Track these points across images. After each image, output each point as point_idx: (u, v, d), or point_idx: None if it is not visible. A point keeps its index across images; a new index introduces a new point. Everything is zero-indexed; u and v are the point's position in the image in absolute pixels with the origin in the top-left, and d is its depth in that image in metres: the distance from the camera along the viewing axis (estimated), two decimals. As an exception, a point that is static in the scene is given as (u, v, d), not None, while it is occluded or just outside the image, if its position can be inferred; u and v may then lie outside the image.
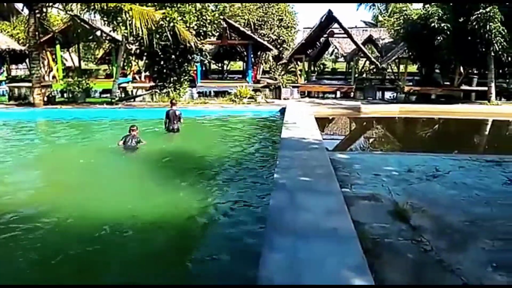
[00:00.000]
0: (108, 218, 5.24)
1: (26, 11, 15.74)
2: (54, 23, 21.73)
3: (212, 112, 14.43)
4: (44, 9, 15.41)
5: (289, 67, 23.23)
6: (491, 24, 13.93)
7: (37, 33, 14.91)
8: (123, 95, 17.85)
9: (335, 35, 22.71)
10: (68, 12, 15.17)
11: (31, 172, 7.97)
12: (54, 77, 19.69)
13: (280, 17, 26.01)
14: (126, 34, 13.93)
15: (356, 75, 21.24)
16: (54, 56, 20.07)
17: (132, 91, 19.28)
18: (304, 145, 8.08)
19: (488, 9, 13.98)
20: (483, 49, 14.79)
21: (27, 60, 22.11)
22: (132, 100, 17.17)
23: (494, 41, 14.20)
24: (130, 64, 21.80)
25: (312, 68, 27.40)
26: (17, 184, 6.92)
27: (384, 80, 24.25)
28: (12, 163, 8.41)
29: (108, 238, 4.83)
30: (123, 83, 18.89)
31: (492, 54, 14.93)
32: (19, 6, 16.04)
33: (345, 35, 20.60)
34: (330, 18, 19.29)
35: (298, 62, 21.24)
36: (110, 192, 6.48)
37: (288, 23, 26.64)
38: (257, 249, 3.74)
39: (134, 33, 13.43)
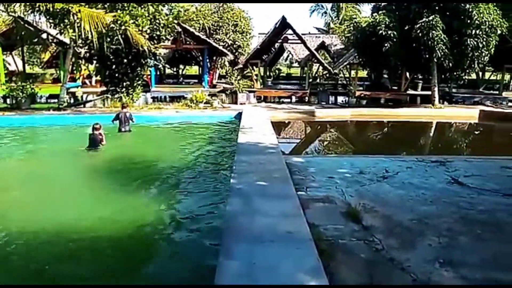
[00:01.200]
0: (53, 230, 4.96)
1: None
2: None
3: (167, 117, 14.14)
4: (-17, 10, 14.43)
5: (245, 72, 23.36)
6: (433, 32, 14.84)
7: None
8: (72, 101, 17.08)
9: (290, 41, 23.14)
10: (10, 13, 14.28)
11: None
12: (-5, 81, 18.46)
13: (235, 23, 26.13)
14: (74, 37, 13.33)
15: (310, 80, 21.75)
16: (-5, 60, 18.81)
17: (82, 97, 18.50)
18: (261, 149, 8.13)
19: (430, 18, 14.88)
20: (427, 56, 15.70)
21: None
22: (82, 105, 16.46)
23: (436, 48, 15.11)
24: (80, 68, 20.90)
25: (268, 73, 27.73)
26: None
27: (336, 85, 25.05)
28: None
29: (54, 250, 4.57)
30: (72, 88, 18.08)
31: (435, 60, 15.87)
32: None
33: (299, 41, 21.05)
34: (284, 24, 19.64)
35: (254, 67, 21.42)
36: (56, 202, 6.14)
37: (243, 28, 26.83)
38: (213, 256, 3.69)
39: (83, 36, 12.91)
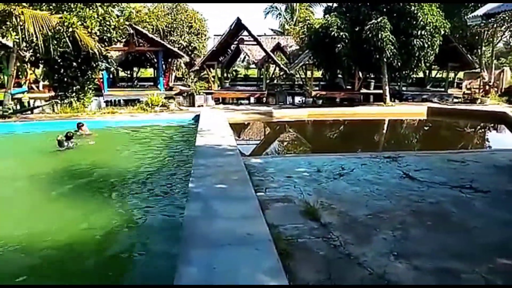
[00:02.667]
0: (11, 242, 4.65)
1: None
2: None
3: (121, 122, 13.70)
4: None
5: (201, 74, 23.14)
6: (382, 33, 15.46)
7: None
8: (18, 107, 16.11)
9: (246, 43, 23.22)
10: None
11: None
12: None
13: (190, 24, 25.81)
14: (18, 40, 12.53)
15: (268, 81, 21.93)
16: None
17: (28, 102, 17.49)
18: (219, 151, 8.08)
19: (379, 19, 15.50)
20: (377, 56, 16.32)
21: None
22: (29, 112, 15.57)
23: (385, 49, 15.75)
24: (25, 73, 19.73)
25: (225, 75, 27.65)
26: None
27: (293, 86, 25.43)
28: None
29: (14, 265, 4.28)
30: (17, 93, 17.04)
31: (385, 60, 16.53)
32: None
33: (254, 43, 21.17)
34: (239, 26, 19.68)
35: (211, 69, 21.28)
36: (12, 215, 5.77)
37: (198, 30, 26.55)
38: (171, 263, 3.60)
39: (27, 39, 12.20)
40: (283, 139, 13.89)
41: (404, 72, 18.14)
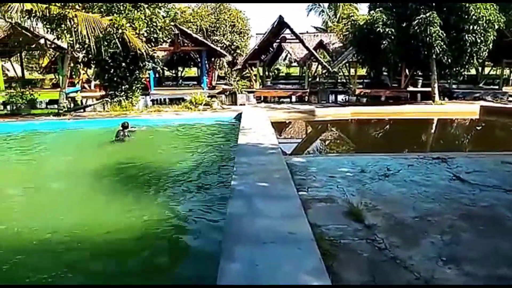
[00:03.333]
0: (64, 234, 4.96)
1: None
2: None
3: (167, 120, 14.13)
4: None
5: (244, 72, 23.34)
6: (431, 28, 14.81)
7: (-28, 42, 13.90)
8: (72, 106, 17.07)
9: (288, 41, 23.11)
10: (7, 20, 14.27)
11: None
12: (-6, 88, 18.47)
13: (233, 23, 26.12)
14: (71, 42, 13.28)
15: (310, 79, 21.71)
16: (-7, 66, 18.83)
17: (81, 101, 18.50)
18: (261, 150, 8.10)
19: (428, 14, 14.86)
20: (425, 52, 15.66)
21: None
22: (82, 110, 16.46)
23: (434, 45, 15.08)
24: (78, 73, 20.91)
25: (267, 73, 27.71)
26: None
27: (336, 84, 25.01)
28: None
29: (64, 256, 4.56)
30: (71, 92, 18.07)
31: (434, 56, 15.83)
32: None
33: (297, 41, 21.03)
34: (281, 24, 19.62)
35: (253, 68, 21.39)
36: (65, 207, 6.15)
37: (241, 29, 26.81)
38: (215, 259, 3.67)
39: (81, 40, 12.88)
40: (325, 138, 13.70)
41: (454, 69, 17.26)
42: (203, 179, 7.39)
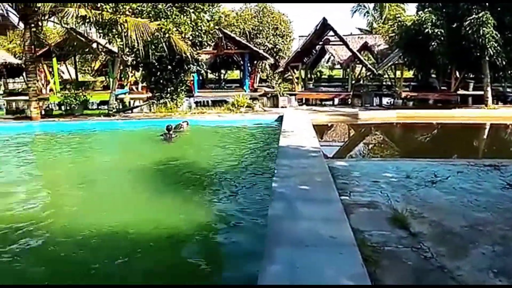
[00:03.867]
0: (108, 232, 5.21)
1: (21, 25, 15.77)
2: (50, 36, 21.79)
3: (210, 121, 14.43)
4: (40, 23, 15.45)
5: (285, 75, 23.32)
6: (484, 29, 14.05)
7: (33, 46, 14.92)
8: (120, 107, 17.87)
9: (331, 43, 22.84)
10: (63, 25, 15.21)
11: (33, 185, 7.92)
12: (51, 90, 19.69)
13: (275, 26, 26.18)
14: (121, 46, 13.94)
15: (353, 82, 21.30)
16: (51, 69, 20.10)
17: (129, 102, 19.31)
18: (302, 153, 8.07)
19: (480, 14, 14.11)
20: (478, 54, 14.89)
21: (24, 74, 22.07)
22: (130, 111, 17.18)
23: (488, 46, 14.29)
24: (127, 75, 21.83)
25: (309, 76, 27.50)
26: (18, 197, 6.86)
27: (381, 86, 24.34)
28: (15, 176, 8.36)
29: (110, 253, 4.80)
30: (120, 94, 18.92)
31: (487, 58, 15.02)
32: (14, 20, 16.04)
33: (340, 43, 20.73)
34: (325, 26, 19.41)
35: (295, 70, 21.33)
36: (108, 205, 6.45)
37: (283, 31, 26.81)
38: (256, 260, 3.71)
39: (130, 44, 13.49)
40: (368, 142, 13.38)
41: (509, 72, 16.28)
42: (243, 181, 7.47)
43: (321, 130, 13.81)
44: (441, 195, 5.55)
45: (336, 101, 20.28)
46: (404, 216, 4.66)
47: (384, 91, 22.91)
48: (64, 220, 5.79)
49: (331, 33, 20.62)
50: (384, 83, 24.83)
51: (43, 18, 15.24)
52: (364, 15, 41.06)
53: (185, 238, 5.09)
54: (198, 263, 4.59)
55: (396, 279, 3.43)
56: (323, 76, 35.34)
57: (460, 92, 18.55)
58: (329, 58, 36.04)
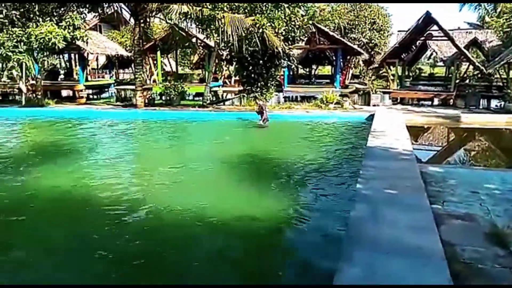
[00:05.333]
0: (193, 216, 5.56)
1: (132, 21, 17.48)
2: (156, 31, 23.71)
3: (296, 117, 14.43)
4: (148, 19, 16.93)
5: (380, 71, 22.23)
6: None
7: (141, 40, 16.45)
8: (214, 99, 18.76)
9: (434, 38, 21.11)
10: (168, 21, 16.44)
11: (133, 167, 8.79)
12: (154, 81, 21.44)
13: (373, 20, 25.04)
14: (218, 41, 14.64)
15: (457, 81, 19.47)
16: (155, 62, 21.89)
17: (222, 95, 20.17)
18: (392, 155, 7.64)
19: None
20: None
21: (132, 65, 24.38)
22: (222, 103, 17.95)
23: None
24: (221, 69, 22.83)
25: (406, 73, 25.83)
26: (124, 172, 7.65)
27: (490, 87, 21.86)
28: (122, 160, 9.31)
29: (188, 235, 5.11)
30: (214, 87, 19.85)
31: None
32: (126, 16, 17.88)
33: (445, 38, 19.05)
34: (428, 20, 18.00)
35: (391, 67, 20.20)
36: (196, 189, 6.87)
37: (381, 26, 25.53)
38: (333, 260, 3.63)
39: (226, 39, 14.05)
40: (470, 148, 12.16)
41: None
42: (327, 178, 7.35)
43: (415, 132, 12.92)
44: (556, 214, 4.82)
45: (436, 101, 18.77)
46: (506, 233, 4.15)
47: (493, 93, 20.55)
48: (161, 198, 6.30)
49: (435, 27, 19.06)
50: (494, 83, 22.25)
51: (150, 14, 16.69)
52: (475, 8, 37.12)
53: (268, 228, 5.20)
54: (275, 255, 4.66)
55: (490, 302, 3.08)
56: (422, 74, 32.89)
57: None
58: (431, 54, 33.35)
